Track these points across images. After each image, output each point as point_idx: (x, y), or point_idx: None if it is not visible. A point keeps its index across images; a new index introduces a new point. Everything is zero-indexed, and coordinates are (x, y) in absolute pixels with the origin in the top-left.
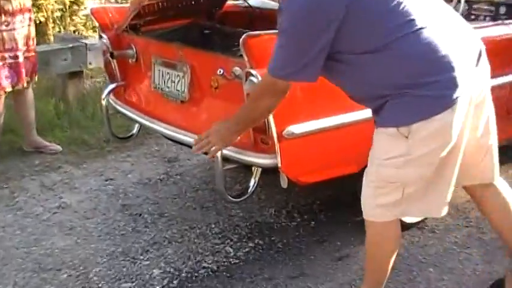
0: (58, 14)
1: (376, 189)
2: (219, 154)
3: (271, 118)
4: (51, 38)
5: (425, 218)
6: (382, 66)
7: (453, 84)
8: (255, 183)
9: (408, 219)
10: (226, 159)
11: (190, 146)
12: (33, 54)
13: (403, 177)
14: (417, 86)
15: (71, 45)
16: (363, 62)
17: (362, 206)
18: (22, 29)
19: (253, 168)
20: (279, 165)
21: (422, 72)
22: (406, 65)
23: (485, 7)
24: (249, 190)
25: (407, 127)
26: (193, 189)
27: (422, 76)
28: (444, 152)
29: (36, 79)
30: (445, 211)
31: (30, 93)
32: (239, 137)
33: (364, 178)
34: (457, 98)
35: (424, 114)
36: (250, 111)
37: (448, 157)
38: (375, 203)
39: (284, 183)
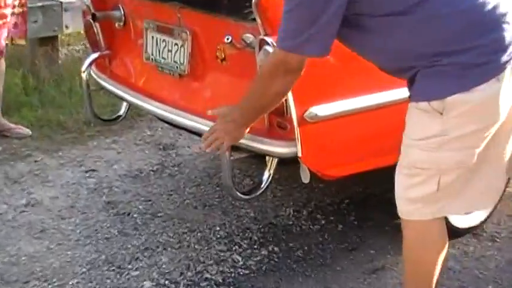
0: None
1: (408, 178)
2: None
3: (290, 97)
4: None
5: (483, 222)
6: (411, 30)
7: (500, 48)
8: (269, 176)
9: (460, 222)
10: (234, 147)
11: (190, 131)
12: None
13: (438, 162)
14: (454, 52)
15: (41, 4)
16: (385, 26)
17: (396, 201)
18: None
19: (267, 159)
20: (299, 154)
21: (461, 35)
22: (442, 28)
23: None
24: (262, 185)
25: (441, 101)
26: (194, 183)
27: (461, 40)
28: (488, 133)
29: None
30: (493, 202)
31: (2, 64)
32: (248, 130)
33: (397, 166)
34: (505, 64)
35: (462, 85)
36: (257, 97)
37: (493, 139)
38: (407, 196)
39: (305, 178)
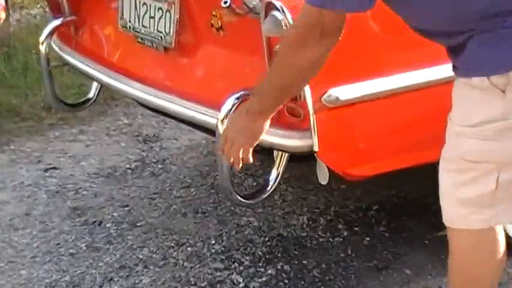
0: None
1: (457, 175)
2: (222, 130)
3: None
4: None
5: None
6: None
7: None
8: (277, 176)
9: None
10: None
11: (177, 118)
12: None
13: (497, 154)
14: None
15: None
16: None
17: (441, 206)
18: None
19: (275, 154)
20: (316, 149)
21: None
22: None
23: None
24: (269, 187)
25: (505, 76)
26: (183, 184)
27: None
28: None
29: None
30: None
31: None
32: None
33: (440, 160)
34: None
35: None
36: (283, 73)
37: None
38: (456, 197)
39: (323, 178)
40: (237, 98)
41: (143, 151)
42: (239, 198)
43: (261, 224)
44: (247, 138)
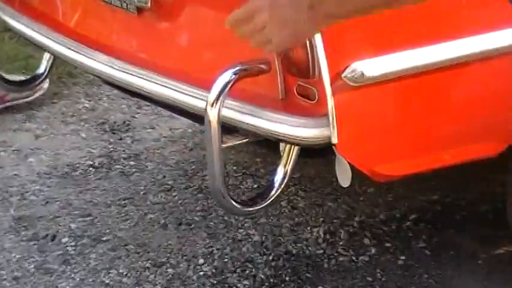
0: None
1: None
2: (213, 116)
3: (319, 42)
4: None
5: None
6: None
7: None
8: (285, 176)
9: None
10: (227, 128)
11: (155, 101)
12: None
13: None
14: None
15: None
16: None
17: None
18: None
19: (281, 148)
20: (334, 140)
21: None
22: None
23: None
24: (273, 191)
25: None
26: (162, 187)
27: None
28: None
29: None
30: None
31: None
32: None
33: None
34: None
35: None
36: None
37: None
38: None
39: (344, 178)
40: (235, 73)
41: (110, 144)
42: (235, 204)
43: (263, 238)
44: (290, 36)
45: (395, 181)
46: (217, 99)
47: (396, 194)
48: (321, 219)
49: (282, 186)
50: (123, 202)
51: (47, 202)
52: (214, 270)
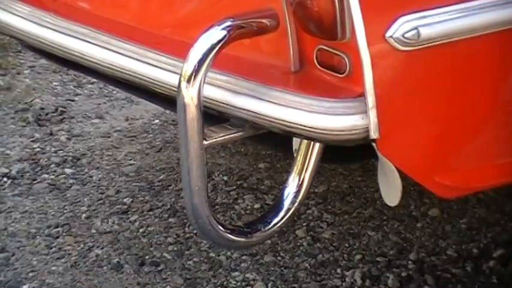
0: None
1: None
2: (190, 98)
3: None
4: None
5: None
6: None
7: None
8: (299, 189)
9: None
10: (212, 117)
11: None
12: None
13: None
14: None
15: None
16: None
17: None
18: None
19: (294, 146)
20: (374, 135)
21: None
22: None
23: None
24: (282, 212)
25: None
26: (114, 207)
27: None
28: None
29: None
30: None
31: None
32: None
33: None
34: None
35: None
36: None
37: None
38: None
39: (392, 194)
40: (224, 32)
41: (35, 141)
42: (225, 233)
43: (269, 286)
44: None
45: (471, 199)
46: (196, 71)
47: (473, 218)
48: (358, 256)
49: (296, 205)
50: (55, 231)
51: None
52: None
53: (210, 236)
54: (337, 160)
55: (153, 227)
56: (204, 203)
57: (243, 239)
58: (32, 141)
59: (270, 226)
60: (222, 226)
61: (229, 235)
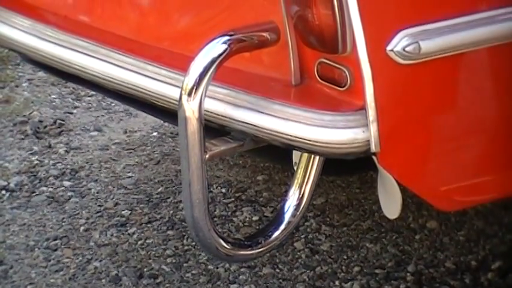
0: None
1: None
2: (191, 112)
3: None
4: None
5: None
6: None
7: None
8: (300, 202)
9: None
10: (212, 130)
11: (103, 89)
12: None
13: None
14: None
15: None
16: None
17: None
18: None
19: (294, 159)
20: (375, 148)
21: None
22: None
23: None
24: (283, 225)
25: None
26: (113, 219)
27: None
28: None
29: None
30: None
31: None
32: None
33: None
34: None
35: None
36: None
37: None
38: None
39: (391, 207)
40: (225, 45)
41: (33, 154)
42: (224, 245)
43: None
44: None
45: (469, 211)
46: (197, 85)
47: (471, 230)
48: (356, 268)
49: (297, 218)
50: (53, 243)
51: None
52: None
53: (210, 249)
54: (337, 172)
55: (151, 240)
56: (204, 216)
57: (243, 252)
58: (31, 153)
59: (271, 239)
60: (223, 239)
61: (228, 247)
